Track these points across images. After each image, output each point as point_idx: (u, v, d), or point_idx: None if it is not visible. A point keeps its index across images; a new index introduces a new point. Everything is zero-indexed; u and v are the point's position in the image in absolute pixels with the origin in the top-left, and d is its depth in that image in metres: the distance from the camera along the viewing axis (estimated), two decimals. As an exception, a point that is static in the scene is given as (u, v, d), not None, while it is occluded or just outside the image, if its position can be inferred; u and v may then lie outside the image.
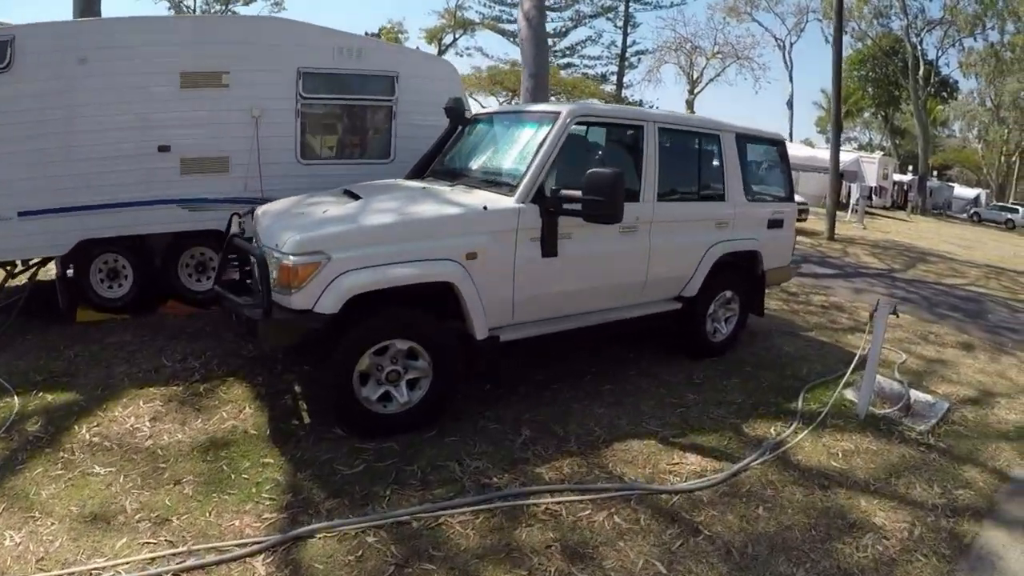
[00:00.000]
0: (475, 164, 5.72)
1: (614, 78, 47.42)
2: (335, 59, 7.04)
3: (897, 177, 37.26)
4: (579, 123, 5.18)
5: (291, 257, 3.92)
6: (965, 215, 40.78)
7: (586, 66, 47.66)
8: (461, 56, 47.00)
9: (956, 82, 48.01)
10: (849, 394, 5.66)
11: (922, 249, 18.99)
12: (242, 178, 6.69)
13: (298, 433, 4.36)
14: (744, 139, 6.51)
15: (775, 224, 6.77)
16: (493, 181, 5.09)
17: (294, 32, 7.05)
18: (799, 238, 17.37)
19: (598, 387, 5.53)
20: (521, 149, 5.18)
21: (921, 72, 40.93)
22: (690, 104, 43.20)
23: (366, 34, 51.60)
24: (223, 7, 45.81)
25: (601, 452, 4.44)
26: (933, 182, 43.15)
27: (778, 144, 7.07)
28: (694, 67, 43.99)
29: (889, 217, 30.65)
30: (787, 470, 4.42)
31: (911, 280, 13.19)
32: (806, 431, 5.01)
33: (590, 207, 4.46)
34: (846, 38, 43.36)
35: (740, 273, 6.57)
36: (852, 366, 5.55)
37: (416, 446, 4.24)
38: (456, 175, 5.56)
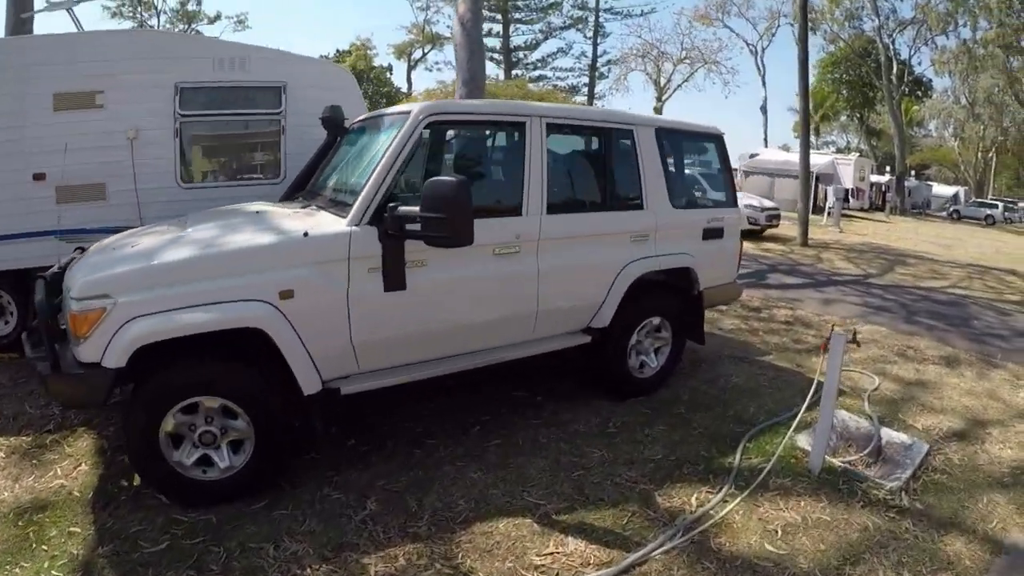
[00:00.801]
0: (332, 181, 4.88)
1: (586, 89, 46.98)
2: (215, 71, 6.34)
3: (874, 178, 36.43)
4: (435, 123, 4.20)
5: (77, 302, 3.31)
6: (944, 214, 40.18)
7: (558, 78, 47.83)
8: (431, 71, 47.20)
9: (930, 81, 47.63)
10: (803, 441, 4.51)
11: (900, 251, 17.94)
12: (120, 205, 5.99)
13: (119, 497, 3.69)
14: (668, 134, 5.44)
15: (713, 234, 5.69)
16: (337, 200, 4.27)
17: (171, 45, 6.47)
18: (770, 245, 16.45)
19: (484, 442, 4.49)
20: (369, 160, 4.22)
21: (895, 72, 40.29)
22: (658, 111, 42.24)
23: (337, 52, 52.56)
24: (187, 26, 45.95)
25: (456, 536, 3.43)
26: (911, 182, 42.38)
27: (715, 139, 5.99)
28: (661, 73, 43.11)
29: (867, 219, 29.64)
30: (703, 560, 3.27)
31: (888, 285, 12.09)
32: (739, 498, 3.86)
33: (429, 227, 3.52)
34: (818, 41, 43.07)
35: (670, 295, 5.49)
36: (807, 401, 4.39)
37: (237, 520, 3.48)
38: (315, 194, 4.85)
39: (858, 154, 39.66)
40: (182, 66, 6.21)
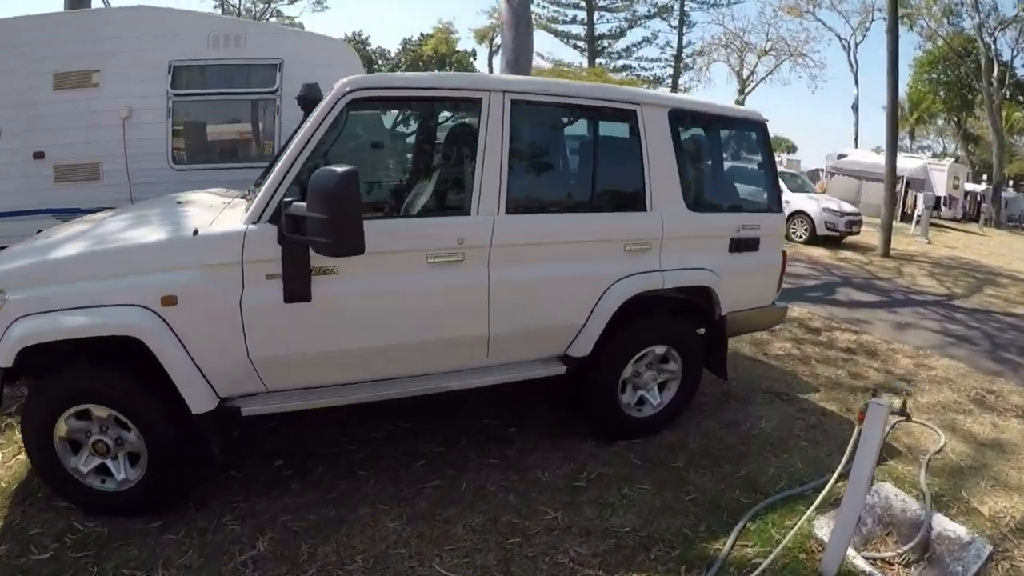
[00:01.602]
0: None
1: (671, 80, 45.45)
2: (210, 48, 6.26)
3: (969, 187, 33.80)
4: (361, 100, 3.43)
5: None
6: (1042, 228, 37.31)
7: (643, 68, 46.52)
8: None
9: (1031, 85, 44.04)
10: (822, 528, 3.44)
11: (992, 268, 16.11)
12: (113, 186, 6.04)
13: (37, 494, 3.51)
14: (689, 118, 4.49)
15: (745, 245, 4.64)
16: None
17: (165, 21, 6.38)
18: (848, 255, 15.06)
19: (423, 482, 3.81)
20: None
21: (995, 74, 37.19)
22: (740, 104, 39.97)
23: (421, 36, 52.17)
24: (266, 5, 47.18)
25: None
26: (1008, 192, 39.21)
27: (755, 127, 4.92)
28: (744, 65, 40.74)
29: (959, 230, 27.30)
30: None
31: (974, 310, 10.61)
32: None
33: (313, 228, 2.91)
34: (915, 38, 40.18)
35: (681, 319, 4.50)
36: (839, 470, 3.28)
37: (127, 539, 3.20)
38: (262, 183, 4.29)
39: (953, 160, 37.04)
40: (176, 43, 6.11)
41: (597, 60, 45.44)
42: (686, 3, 44.15)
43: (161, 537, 3.22)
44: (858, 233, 17.28)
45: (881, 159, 26.95)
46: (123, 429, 3.23)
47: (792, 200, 16.81)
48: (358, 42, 55.36)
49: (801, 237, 16.55)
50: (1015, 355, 7.91)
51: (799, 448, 4.55)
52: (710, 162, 4.87)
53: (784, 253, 5.01)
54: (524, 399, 4.82)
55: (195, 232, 3.15)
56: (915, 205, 25.12)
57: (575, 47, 46.94)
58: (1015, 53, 38.74)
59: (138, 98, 6.06)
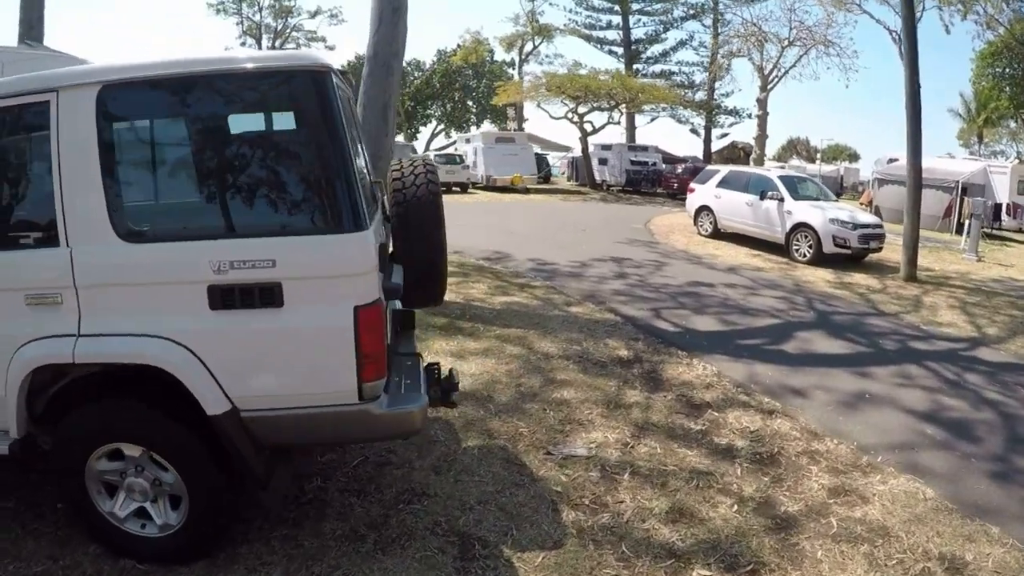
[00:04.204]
0: None
1: (708, 83, 43.06)
2: None
3: (1041, 193, 29.78)
4: None
5: None
6: None
7: (683, 72, 44.81)
8: (541, 64, 44.51)
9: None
10: None
11: (1054, 294, 12.44)
12: None
13: None
14: (135, 93, 2.83)
15: (242, 298, 2.67)
16: None
17: None
18: (857, 278, 11.85)
19: None
20: None
21: (1067, 63, 32.95)
22: (762, 103, 36.14)
23: (457, 47, 50.28)
24: (284, 20, 50.59)
25: None
26: (1093, 198, 34.77)
27: (291, 83, 2.87)
28: (765, 59, 36.72)
29: (1028, 244, 23.35)
30: None
31: (1004, 365, 7.11)
32: None
33: None
34: (973, 27, 36.13)
35: (157, 410, 2.84)
36: None
37: None
38: None
39: (1017, 160, 32.76)
40: None
41: (634, 65, 43.34)
42: (720, 2, 41.13)
43: None
44: (879, 250, 13.72)
45: (938, 163, 23.35)
46: None
47: (793, 210, 13.69)
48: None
49: (805, 256, 13.18)
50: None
51: None
52: (185, 155, 3.09)
53: (364, 310, 2.47)
54: None
55: None
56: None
57: (611, 53, 45.76)
58: (1087, 38, 34.42)
59: None
